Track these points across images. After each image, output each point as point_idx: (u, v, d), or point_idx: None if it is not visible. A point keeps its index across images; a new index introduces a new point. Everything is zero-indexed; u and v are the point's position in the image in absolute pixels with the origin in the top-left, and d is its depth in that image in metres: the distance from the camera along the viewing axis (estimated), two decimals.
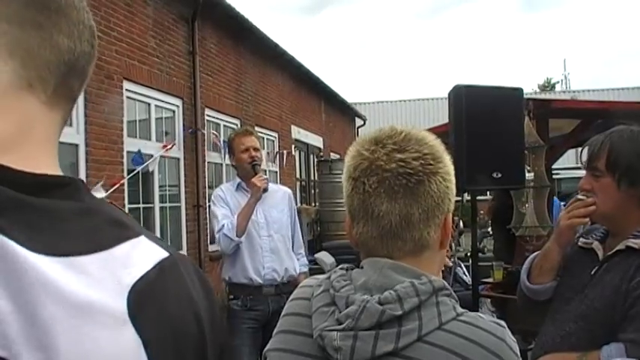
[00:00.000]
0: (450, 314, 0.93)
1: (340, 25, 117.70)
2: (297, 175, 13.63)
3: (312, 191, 14.45)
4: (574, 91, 27.61)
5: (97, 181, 5.58)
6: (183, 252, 7.59)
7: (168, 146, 7.30)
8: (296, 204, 4.71)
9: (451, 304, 0.94)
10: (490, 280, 4.81)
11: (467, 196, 5.86)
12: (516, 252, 5.08)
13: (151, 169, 6.95)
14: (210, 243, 8.21)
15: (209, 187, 8.34)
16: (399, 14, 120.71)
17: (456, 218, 8.38)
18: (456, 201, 1.08)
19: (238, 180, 3.64)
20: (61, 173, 0.63)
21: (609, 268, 1.60)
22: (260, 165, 3.63)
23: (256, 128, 9.62)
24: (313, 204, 13.20)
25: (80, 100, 5.71)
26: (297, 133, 13.24)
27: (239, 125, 9.57)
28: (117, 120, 6.27)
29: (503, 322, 0.96)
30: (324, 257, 7.99)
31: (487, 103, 3.30)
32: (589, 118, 5.77)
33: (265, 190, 3.52)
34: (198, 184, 8.03)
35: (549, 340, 1.68)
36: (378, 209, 0.97)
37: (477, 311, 1.08)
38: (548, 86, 41.26)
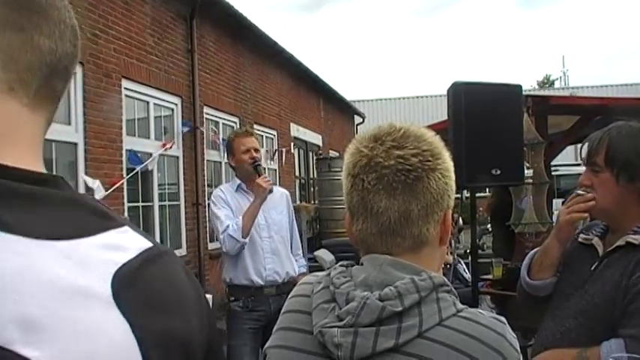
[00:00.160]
0: (451, 310, 0.93)
1: (339, 23, 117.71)
2: (297, 173, 13.63)
3: (312, 189, 14.46)
4: (573, 88, 27.64)
5: (93, 180, 5.58)
6: (183, 250, 7.60)
7: (168, 145, 7.30)
8: (295, 202, 4.71)
9: (451, 300, 0.94)
10: (489, 276, 4.82)
11: (466, 193, 5.86)
12: (516, 249, 5.10)
13: (150, 168, 6.95)
14: (210, 241, 8.22)
15: (208, 186, 8.35)
16: (397, 11, 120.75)
17: (455, 215, 8.39)
18: (456, 198, 1.08)
19: (238, 181, 3.61)
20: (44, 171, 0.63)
21: (609, 264, 1.61)
22: (261, 165, 3.63)
23: (255, 126, 9.65)
24: (312, 202, 13.20)
25: (79, 98, 5.71)
26: (296, 130, 13.24)
27: (238, 123, 9.57)
28: (116, 118, 6.27)
29: (503, 318, 0.96)
30: (324, 255, 7.99)
31: (486, 100, 3.30)
32: (588, 115, 5.78)
33: (270, 191, 3.52)
34: (197, 183, 8.03)
35: (549, 336, 1.69)
36: (377, 206, 0.97)
37: (477, 308, 1.08)
38: (547, 83, 41.23)
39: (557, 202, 6.98)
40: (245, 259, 3.47)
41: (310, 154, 14.78)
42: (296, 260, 3.72)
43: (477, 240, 5.08)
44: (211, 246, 8.18)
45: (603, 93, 22.53)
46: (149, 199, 7.14)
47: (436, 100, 23.95)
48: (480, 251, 7.09)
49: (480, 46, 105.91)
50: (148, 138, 7.22)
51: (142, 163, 6.71)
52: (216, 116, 9.05)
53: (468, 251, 7.19)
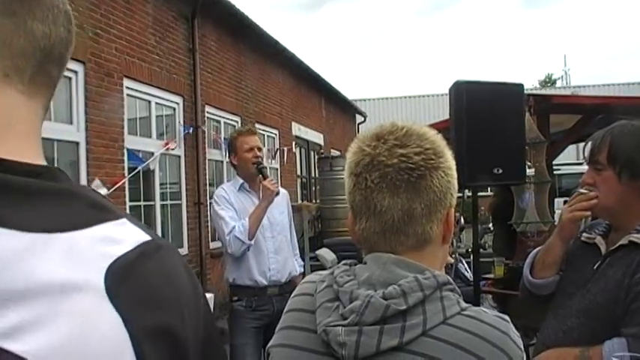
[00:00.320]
0: (454, 309, 0.93)
1: (340, 22, 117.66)
2: (298, 172, 13.64)
3: (313, 188, 14.47)
4: (574, 87, 27.61)
5: (93, 179, 5.58)
6: (185, 249, 7.60)
7: (171, 145, 7.31)
8: (297, 201, 4.71)
9: (455, 299, 0.95)
10: (491, 275, 4.82)
11: (468, 193, 5.86)
12: (517, 248, 5.09)
13: (152, 167, 6.96)
14: (212, 240, 8.22)
15: (210, 185, 8.35)
16: (399, 10, 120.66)
17: (457, 214, 8.39)
18: (457, 197, 1.08)
19: (240, 180, 3.59)
20: (44, 163, 0.62)
21: (612, 263, 1.61)
22: (266, 168, 3.62)
23: (257, 125, 9.65)
24: (314, 201, 13.21)
25: (80, 97, 5.72)
26: (298, 130, 13.24)
27: (239, 122, 9.57)
28: (117, 118, 6.27)
29: (506, 317, 0.96)
30: (325, 254, 7.98)
31: (488, 99, 3.29)
32: (589, 114, 5.77)
33: (277, 193, 3.52)
34: (199, 182, 8.03)
35: (551, 335, 1.69)
36: (380, 204, 0.97)
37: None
38: (548, 82, 41.22)
39: (558, 202, 6.98)
40: (249, 260, 3.46)
41: (312, 153, 14.78)
42: (295, 260, 3.74)
43: (479, 239, 5.08)
44: (213, 245, 8.19)
45: (605, 92, 22.52)
46: (151, 198, 7.14)
47: (438, 99, 23.95)
48: (481, 250, 7.09)
49: (481, 45, 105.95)
50: (150, 137, 7.22)
51: (144, 162, 6.72)
52: (217, 115, 9.05)
53: (470, 250, 7.18)
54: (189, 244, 7.83)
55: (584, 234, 1.79)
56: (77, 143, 5.71)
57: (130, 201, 6.57)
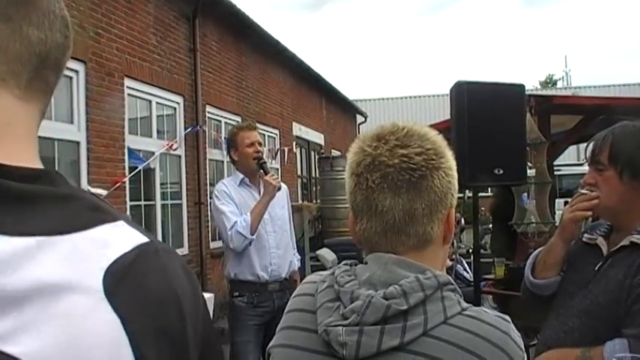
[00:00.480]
0: (455, 309, 0.93)
1: (341, 22, 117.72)
2: (299, 172, 13.64)
3: (314, 188, 14.47)
4: (575, 88, 27.62)
5: (95, 181, 5.59)
6: (185, 249, 7.60)
7: (172, 145, 7.32)
8: (297, 201, 4.72)
9: (456, 299, 0.95)
10: (491, 276, 4.82)
11: (468, 193, 5.86)
12: (518, 248, 5.09)
13: (152, 166, 6.96)
14: (212, 240, 8.22)
15: (210, 185, 8.35)
16: (400, 11, 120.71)
17: (457, 215, 8.39)
18: (458, 198, 1.08)
19: (240, 175, 3.61)
20: (41, 166, 0.62)
21: (613, 264, 1.61)
22: (267, 163, 3.64)
23: (257, 125, 9.64)
24: (314, 201, 13.21)
25: (81, 97, 5.72)
26: (299, 130, 13.24)
27: (240, 122, 9.57)
28: (118, 117, 6.28)
29: (507, 317, 0.97)
30: (326, 254, 7.99)
31: (489, 100, 3.30)
32: (590, 115, 5.76)
33: (279, 189, 3.53)
34: (199, 182, 8.04)
35: (553, 335, 1.69)
36: (381, 204, 0.98)
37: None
38: (549, 83, 41.24)
39: (559, 202, 6.98)
40: (251, 255, 3.47)
41: (312, 153, 14.78)
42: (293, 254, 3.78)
43: (480, 240, 5.08)
44: (213, 245, 8.19)
45: (606, 93, 22.52)
46: (151, 197, 7.15)
47: (439, 99, 23.95)
48: (482, 251, 7.09)
49: (482, 45, 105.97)
50: (150, 137, 7.23)
51: (144, 162, 6.72)
52: (218, 115, 9.06)
53: (471, 251, 7.18)
54: (189, 244, 7.83)
55: (586, 235, 1.80)
56: (78, 143, 5.71)
57: (131, 200, 6.58)
